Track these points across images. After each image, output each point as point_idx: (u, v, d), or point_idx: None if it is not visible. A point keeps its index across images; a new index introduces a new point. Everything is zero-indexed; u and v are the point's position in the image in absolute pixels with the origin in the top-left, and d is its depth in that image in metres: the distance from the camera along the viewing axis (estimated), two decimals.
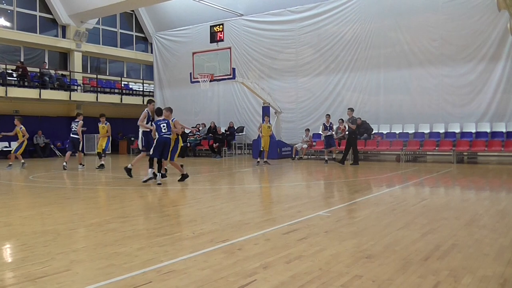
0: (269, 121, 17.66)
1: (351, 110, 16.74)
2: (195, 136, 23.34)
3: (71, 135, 15.94)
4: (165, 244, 5.10)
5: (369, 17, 20.32)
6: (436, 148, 17.66)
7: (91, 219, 6.83)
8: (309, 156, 20.63)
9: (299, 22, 22.32)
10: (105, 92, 26.53)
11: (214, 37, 19.45)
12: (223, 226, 6.14)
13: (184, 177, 11.56)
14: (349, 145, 16.37)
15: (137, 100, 27.97)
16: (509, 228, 5.86)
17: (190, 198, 9.50)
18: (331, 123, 17.38)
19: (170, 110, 11.51)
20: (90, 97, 25.18)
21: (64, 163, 15.57)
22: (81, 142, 16.30)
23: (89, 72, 27.26)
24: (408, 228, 5.83)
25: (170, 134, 11.01)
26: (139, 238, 5.43)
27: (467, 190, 10.45)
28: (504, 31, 17.20)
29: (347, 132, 16.90)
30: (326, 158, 17.47)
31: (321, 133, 17.92)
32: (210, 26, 19.91)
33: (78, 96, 24.74)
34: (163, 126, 10.96)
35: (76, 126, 15.87)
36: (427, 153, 19.20)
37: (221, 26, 19.45)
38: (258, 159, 16.88)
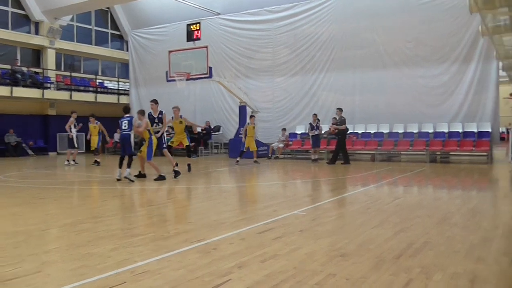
0: (254, 121, 17.50)
1: (340, 110, 16.77)
2: (171, 135, 23.16)
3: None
4: (140, 245, 5.06)
5: (344, 18, 20.47)
6: (410, 148, 17.94)
7: (64, 219, 6.72)
8: (285, 156, 20.71)
9: (276, 22, 22.37)
10: (79, 90, 26.07)
11: (191, 36, 19.33)
12: (199, 226, 6.12)
13: (160, 177, 11.52)
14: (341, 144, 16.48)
15: (112, 99, 27.57)
16: (479, 226, 6.00)
17: (165, 197, 9.44)
18: (317, 122, 17.47)
19: (142, 113, 11.76)
20: (63, 95, 24.72)
21: (72, 161, 16.93)
22: (73, 139, 17.18)
23: (63, 69, 26.74)
24: (382, 227, 5.91)
25: (130, 131, 11.36)
26: (113, 239, 5.36)
27: (440, 189, 10.65)
28: (476, 33, 17.53)
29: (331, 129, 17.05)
30: (312, 158, 17.58)
31: (308, 132, 17.98)
32: (187, 25, 19.78)
33: (51, 94, 24.26)
34: (124, 123, 11.43)
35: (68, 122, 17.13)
36: (401, 152, 19.48)
37: (198, 24, 19.34)
38: (238, 159, 16.78)
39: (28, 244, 5.16)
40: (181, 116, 13.21)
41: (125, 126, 11.39)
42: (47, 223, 6.49)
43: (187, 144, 13.40)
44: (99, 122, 17.15)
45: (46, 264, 4.38)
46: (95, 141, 17.16)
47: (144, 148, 11.61)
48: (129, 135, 11.36)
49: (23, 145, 23.07)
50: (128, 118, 11.45)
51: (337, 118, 16.72)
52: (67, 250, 4.95)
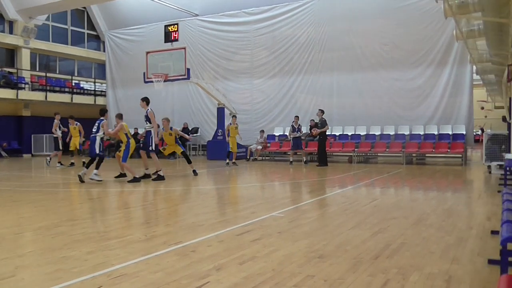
0: (236, 121, 17.44)
1: (321, 111, 16.71)
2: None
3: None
4: (116, 247, 4.99)
5: (322, 21, 20.65)
6: (387, 150, 18.19)
7: (39, 222, 6.58)
8: (263, 158, 20.74)
9: (254, 24, 22.42)
10: (54, 91, 25.64)
11: (168, 37, 19.22)
12: (177, 228, 6.08)
13: (135, 180, 11.44)
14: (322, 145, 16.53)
15: (89, 100, 27.21)
16: (454, 226, 6.10)
17: (143, 200, 9.35)
18: (299, 124, 17.51)
19: (119, 116, 12.13)
20: (38, 96, 24.28)
21: (57, 163, 16.60)
22: (59, 141, 17.00)
23: (37, 70, 26.28)
24: (359, 228, 5.96)
25: (96, 133, 11.46)
26: (89, 242, 5.28)
27: (416, 190, 10.80)
28: (450, 37, 17.83)
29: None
30: (291, 160, 17.65)
31: (288, 134, 18.00)
32: (165, 26, 19.65)
33: (26, 94, 23.80)
34: (95, 126, 11.56)
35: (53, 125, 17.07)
36: (378, 154, 19.72)
37: (176, 25, 19.24)
38: (227, 160, 16.83)
39: (1, 248, 5.04)
40: (171, 128, 13.05)
41: (94, 129, 11.51)
42: (21, 227, 6.35)
43: (182, 150, 13.23)
44: (79, 123, 17.06)
45: (20, 268, 4.29)
46: (76, 142, 17.00)
47: (123, 149, 11.66)
48: (95, 137, 11.42)
49: None
50: (98, 122, 11.55)
51: (318, 120, 16.77)
52: (42, 253, 4.86)
